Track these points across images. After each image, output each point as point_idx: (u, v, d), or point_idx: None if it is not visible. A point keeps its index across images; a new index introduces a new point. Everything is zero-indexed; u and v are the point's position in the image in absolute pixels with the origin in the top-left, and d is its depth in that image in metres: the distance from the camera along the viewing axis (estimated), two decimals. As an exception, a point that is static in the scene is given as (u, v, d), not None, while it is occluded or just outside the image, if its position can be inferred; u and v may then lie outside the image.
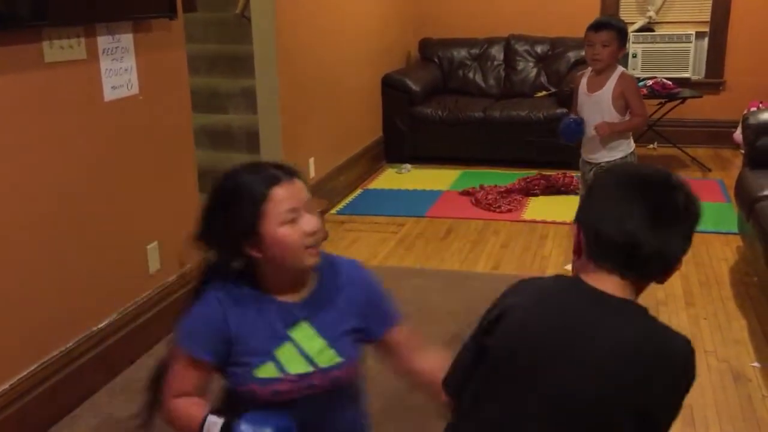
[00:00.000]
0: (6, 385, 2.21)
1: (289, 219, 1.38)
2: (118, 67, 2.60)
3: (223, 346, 1.41)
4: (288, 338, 1.42)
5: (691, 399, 2.41)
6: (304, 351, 1.42)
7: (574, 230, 1.25)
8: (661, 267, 1.19)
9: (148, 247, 2.84)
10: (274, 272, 1.43)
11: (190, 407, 1.41)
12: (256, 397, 1.41)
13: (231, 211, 1.40)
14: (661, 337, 1.16)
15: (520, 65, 5.93)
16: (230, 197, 1.41)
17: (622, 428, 1.12)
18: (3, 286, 2.19)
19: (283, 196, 1.38)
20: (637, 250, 1.15)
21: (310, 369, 1.42)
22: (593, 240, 1.19)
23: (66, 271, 2.42)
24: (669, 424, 1.15)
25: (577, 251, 1.23)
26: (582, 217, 1.24)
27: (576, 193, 4.72)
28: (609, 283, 1.17)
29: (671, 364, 1.14)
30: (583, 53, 5.70)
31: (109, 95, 2.57)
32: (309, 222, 1.40)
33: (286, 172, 1.42)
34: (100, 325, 2.59)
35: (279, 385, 1.41)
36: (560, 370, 1.13)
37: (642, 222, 1.15)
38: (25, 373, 2.27)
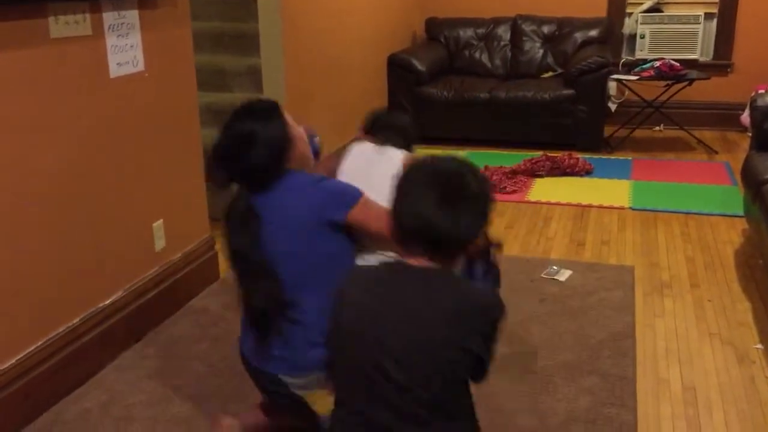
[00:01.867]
0: (12, 361, 2.22)
1: None
2: (124, 43, 2.58)
3: None
4: None
5: (694, 380, 2.44)
6: None
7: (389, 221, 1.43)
8: (456, 244, 1.40)
9: (154, 225, 2.84)
10: None
11: None
12: None
13: None
14: (472, 297, 1.41)
15: (527, 45, 5.89)
16: None
17: (458, 363, 1.38)
18: (9, 263, 2.19)
19: None
20: (429, 230, 1.36)
21: None
22: (398, 228, 1.40)
23: (72, 248, 2.43)
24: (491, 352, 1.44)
25: (396, 240, 1.42)
26: (391, 211, 1.43)
27: (581, 175, 4.72)
28: (423, 263, 1.40)
29: (483, 315, 1.40)
30: (590, 33, 5.75)
31: (114, 72, 2.55)
32: None
33: None
34: (106, 302, 2.60)
35: None
36: (402, 339, 1.36)
37: (432, 206, 1.35)
38: (31, 348, 2.29)
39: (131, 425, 2.25)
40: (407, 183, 1.41)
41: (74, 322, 2.46)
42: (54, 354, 2.36)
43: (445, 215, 1.35)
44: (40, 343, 2.32)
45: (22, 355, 2.25)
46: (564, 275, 3.22)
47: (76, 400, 2.39)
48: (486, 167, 4.79)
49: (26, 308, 2.27)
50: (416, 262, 1.40)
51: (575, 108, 5.23)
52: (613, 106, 5.90)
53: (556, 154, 4.87)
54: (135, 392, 2.42)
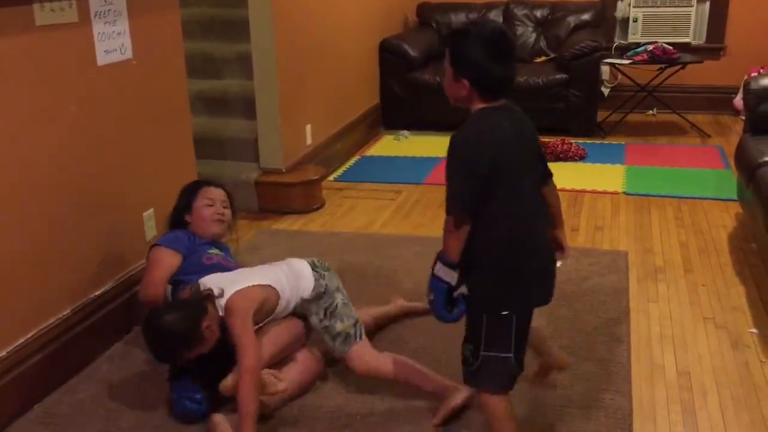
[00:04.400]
0: (3, 352, 2.20)
1: None
2: (111, 30, 2.54)
3: None
4: None
5: (689, 365, 2.44)
6: None
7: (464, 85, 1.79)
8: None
9: (144, 214, 2.82)
10: None
11: None
12: None
13: None
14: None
15: (520, 30, 5.86)
16: None
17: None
18: (-2, 254, 2.17)
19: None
20: (511, 81, 1.87)
21: None
22: (489, 83, 1.83)
23: (61, 239, 2.40)
24: None
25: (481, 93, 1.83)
26: (478, 71, 1.81)
27: (575, 160, 4.71)
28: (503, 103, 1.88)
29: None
30: (583, 17, 5.72)
31: (102, 59, 2.52)
32: None
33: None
34: (97, 293, 2.58)
35: None
36: (530, 153, 1.93)
37: (512, 61, 1.89)
38: (22, 340, 2.26)
39: (123, 416, 2.23)
40: (486, 47, 1.80)
41: (65, 313, 2.44)
42: (45, 345, 2.34)
43: (511, 67, 1.85)
44: (31, 334, 2.30)
45: (13, 347, 2.23)
46: (558, 261, 3.21)
47: (68, 391, 2.37)
48: (479, 153, 4.77)
49: (17, 300, 2.25)
50: (497, 104, 1.84)
51: (568, 92, 5.21)
52: (606, 91, 5.88)
53: (549, 139, 4.85)
54: (127, 383, 2.40)
